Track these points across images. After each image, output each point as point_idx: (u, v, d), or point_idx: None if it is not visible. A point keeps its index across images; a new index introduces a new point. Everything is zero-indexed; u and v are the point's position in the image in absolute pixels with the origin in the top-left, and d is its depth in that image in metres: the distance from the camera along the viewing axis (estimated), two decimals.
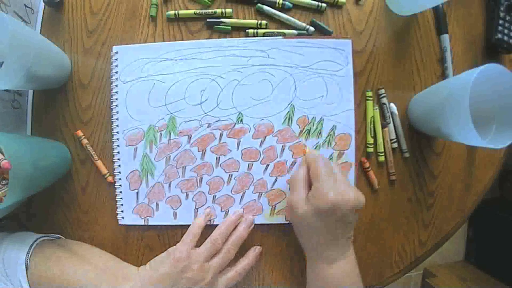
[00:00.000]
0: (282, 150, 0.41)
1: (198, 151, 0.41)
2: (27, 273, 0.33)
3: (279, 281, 0.42)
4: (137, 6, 0.42)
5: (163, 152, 0.41)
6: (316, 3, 0.41)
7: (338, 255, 0.34)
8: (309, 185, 0.35)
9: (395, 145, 0.42)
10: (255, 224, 0.41)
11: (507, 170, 0.48)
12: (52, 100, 0.42)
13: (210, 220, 0.41)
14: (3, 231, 0.38)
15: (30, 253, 0.34)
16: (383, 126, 0.42)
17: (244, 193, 0.41)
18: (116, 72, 0.41)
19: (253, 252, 0.40)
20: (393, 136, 0.42)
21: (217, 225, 0.40)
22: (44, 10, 0.42)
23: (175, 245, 0.37)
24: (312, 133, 0.41)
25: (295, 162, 0.41)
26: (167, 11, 0.42)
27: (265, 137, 0.41)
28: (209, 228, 0.39)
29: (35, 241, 0.36)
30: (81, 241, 0.42)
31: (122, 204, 0.41)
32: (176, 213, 0.41)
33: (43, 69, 0.37)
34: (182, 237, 0.38)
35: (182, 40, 0.42)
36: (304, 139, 0.41)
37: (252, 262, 0.40)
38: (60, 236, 0.41)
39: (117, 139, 0.41)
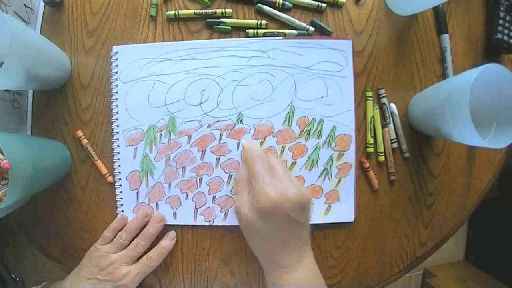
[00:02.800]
0: (282, 150, 0.41)
1: (198, 152, 0.41)
2: None
3: None
4: (137, 6, 0.42)
5: (163, 152, 0.41)
6: (316, 3, 0.41)
7: (293, 262, 0.31)
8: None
9: (395, 145, 0.42)
10: None
11: (507, 170, 0.48)
12: (52, 100, 0.42)
13: (210, 221, 0.41)
14: (3, 231, 0.38)
15: None
16: (383, 126, 0.42)
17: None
18: (116, 72, 0.41)
19: (168, 238, 0.41)
20: (393, 136, 0.42)
21: (217, 226, 0.40)
22: (44, 10, 0.42)
23: (175, 244, 0.38)
24: (312, 134, 0.41)
25: (295, 163, 0.41)
26: (167, 11, 0.42)
27: (265, 137, 0.41)
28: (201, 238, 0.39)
29: None
30: (81, 241, 0.42)
31: (122, 204, 0.41)
32: (176, 213, 0.41)
33: (43, 69, 0.37)
34: (181, 236, 0.38)
35: (182, 40, 0.42)
36: (304, 139, 0.41)
37: (167, 246, 0.40)
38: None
39: (117, 139, 0.41)
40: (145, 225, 0.40)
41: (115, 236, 0.39)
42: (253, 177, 0.32)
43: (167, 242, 0.40)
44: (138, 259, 0.39)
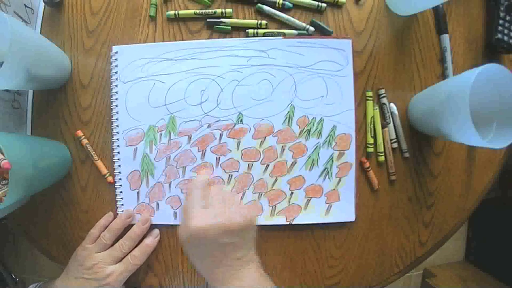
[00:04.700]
0: (282, 150, 0.41)
1: (198, 151, 0.41)
2: None
3: (279, 282, 0.42)
4: (137, 6, 0.42)
5: (163, 152, 0.41)
6: (316, 3, 0.41)
7: (227, 277, 0.33)
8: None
9: (395, 145, 0.42)
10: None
11: (507, 170, 0.48)
12: (52, 100, 0.42)
13: None
14: (3, 230, 0.38)
15: None
16: (383, 126, 0.42)
17: (244, 193, 0.41)
18: (116, 72, 0.41)
19: (151, 236, 0.41)
20: (393, 136, 0.42)
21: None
22: (44, 10, 0.42)
23: (175, 244, 0.39)
24: (312, 133, 0.41)
25: (295, 162, 0.41)
26: (167, 11, 0.42)
27: (265, 137, 0.41)
28: None
29: None
30: (81, 241, 0.42)
31: (122, 204, 0.41)
32: (176, 213, 0.41)
33: (43, 69, 0.37)
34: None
35: (182, 40, 0.42)
36: (304, 139, 0.41)
37: (151, 244, 0.40)
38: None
39: (117, 139, 0.41)
40: (131, 226, 0.40)
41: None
42: (186, 207, 0.35)
43: (151, 240, 0.41)
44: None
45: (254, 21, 0.41)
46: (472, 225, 1.24)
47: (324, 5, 0.41)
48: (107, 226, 0.40)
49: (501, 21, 0.42)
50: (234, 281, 0.33)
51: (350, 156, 0.41)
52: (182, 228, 0.34)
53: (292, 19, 0.41)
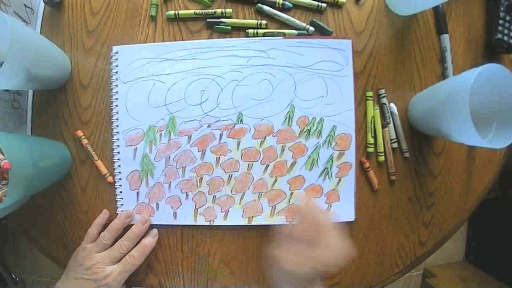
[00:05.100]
0: (282, 150, 0.41)
1: (198, 151, 0.41)
2: None
3: None
4: (137, 6, 0.42)
5: (163, 152, 0.41)
6: (316, 3, 0.41)
7: None
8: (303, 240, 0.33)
9: (395, 145, 0.42)
10: (255, 225, 0.41)
11: (507, 170, 0.48)
12: (52, 100, 0.42)
13: (210, 221, 0.41)
14: (3, 230, 0.38)
15: None
16: (383, 126, 0.42)
17: (244, 193, 0.41)
18: (116, 72, 0.41)
19: (150, 236, 0.41)
20: (393, 136, 0.42)
21: (216, 226, 0.40)
22: (44, 10, 0.42)
23: (175, 243, 0.39)
24: (312, 133, 0.41)
25: (295, 162, 0.41)
26: (167, 11, 0.42)
27: (265, 137, 0.41)
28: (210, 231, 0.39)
29: None
30: (81, 241, 0.42)
31: (122, 204, 0.41)
32: (176, 213, 0.41)
33: (43, 69, 0.37)
34: (181, 236, 0.38)
35: (182, 40, 0.42)
36: (304, 139, 0.41)
37: (149, 245, 0.40)
38: None
39: (117, 139, 0.41)
40: (130, 226, 0.40)
41: (99, 233, 0.40)
42: (318, 245, 0.32)
43: (149, 240, 0.41)
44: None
45: (254, 21, 0.41)
46: (472, 225, 1.24)
47: (324, 5, 0.41)
48: (104, 224, 0.40)
49: (501, 21, 0.42)
50: None
51: (350, 156, 0.41)
52: (300, 258, 0.32)
53: (292, 19, 0.41)
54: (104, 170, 0.42)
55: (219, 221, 0.41)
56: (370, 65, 0.42)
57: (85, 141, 0.42)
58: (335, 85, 0.41)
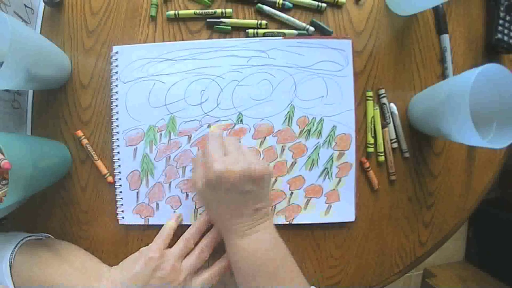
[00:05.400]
0: (282, 150, 0.41)
1: (198, 151, 0.41)
2: (11, 271, 0.34)
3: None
4: (137, 6, 0.42)
5: (163, 152, 0.41)
6: (316, 3, 0.41)
7: (246, 229, 0.34)
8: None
9: (395, 145, 0.42)
10: None
11: (507, 170, 0.48)
12: (52, 100, 0.42)
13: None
14: (3, 231, 0.38)
15: (14, 252, 0.35)
16: (383, 126, 0.42)
17: None
18: (116, 72, 0.41)
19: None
20: (393, 136, 0.42)
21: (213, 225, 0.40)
22: (44, 10, 0.42)
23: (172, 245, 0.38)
24: (312, 133, 0.41)
25: (295, 162, 0.41)
26: (167, 11, 0.42)
27: (265, 137, 0.41)
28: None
29: (21, 240, 0.36)
30: (81, 241, 0.42)
31: (122, 204, 0.41)
32: (176, 213, 0.41)
33: (43, 69, 0.37)
34: (181, 236, 0.38)
35: (182, 40, 0.42)
36: (304, 139, 0.41)
37: (228, 265, 0.38)
38: (48, 235, 0.41)
39: (117, 139, 0.41)
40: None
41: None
42: (204, 154, 0.35)
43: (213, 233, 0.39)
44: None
45: (254, 21, 0.41)
46: (472, 225, 1.24)
47: (324, 5, 0.41)
48: (167, 233, 0.39)
49: (501, 21, 0.42)
50: (253, 234, 0.33)
51: (350, 156, 0.41)
52: (200, 173, 0.34)
53: (292, 19, 0.41)
54: (104, 170, 0.42)
55: None
56: (370, 65, 0.42)
57: (85, 141, 0.42)
58: (335, 85, 0.41)
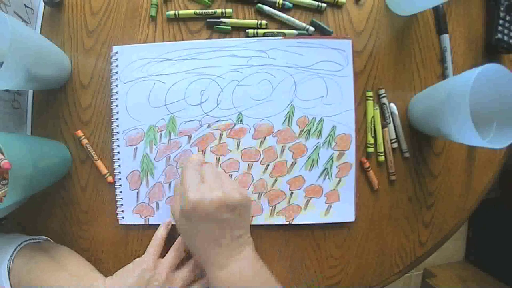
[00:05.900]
0: (282, 150, 0.41)
1: (198, 151, 0.41)
2: (9, 275, 0.34)
3: (278, 281, 0.42)
4: (137, 6, 0.42)
5: (163, 152, 0.41)
6: (316, 3, 0.41)
7: (225, 258, 0.33)
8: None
9: (395, 145, 0.42)
10: (255, 225, 0.41)
11: (507, 170, 0.48)
12: (52, 100, 0.42)
13: None
14: (2, 231, 0.38)
15: (13, 256, 0.35)
16: (383, 126, 0.42)
17: None
18: (116, 72, 0.41)
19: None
20: (393, 136, 0.42)
21: None
22: (44, 10, 0.42)
23: (172, 244, 0.38)
24: (312, 134, 0.41)
25: (295, 163, 0.41)
26: (167, 11, 0.42)
27: (265, 137, 0.41)
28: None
29: (20, 244, 0.36)
30: (81, 241, 0.42)
31: (122, 204, 0.41)
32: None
33: (43, 69, 0.37)
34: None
35: (182, 40, 0.42)
36: (304, 139, 0.41)
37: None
38: (47, 238, 0.41)
39: (117, 139, 0.41)
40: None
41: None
42: (182, 183, 0.35)
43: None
44: None
45: (254, 21, 0.41)
46: (472, 225, 1.24)
47: (324, 5, 0.41)
48: (158, 243, 0.39)
49: (501, 21, 0.42)
50: (232, 264, 0.32)
51: (350, 156, 0.41)
52: (177, 202, 0.34)
53: (292, 19, 0.41)
54: (104, 170, 0.42)
55: None
56: (370, 65, 0.42)
57: (85, 141, 0.42)
58: (335, 85, 0.41)
